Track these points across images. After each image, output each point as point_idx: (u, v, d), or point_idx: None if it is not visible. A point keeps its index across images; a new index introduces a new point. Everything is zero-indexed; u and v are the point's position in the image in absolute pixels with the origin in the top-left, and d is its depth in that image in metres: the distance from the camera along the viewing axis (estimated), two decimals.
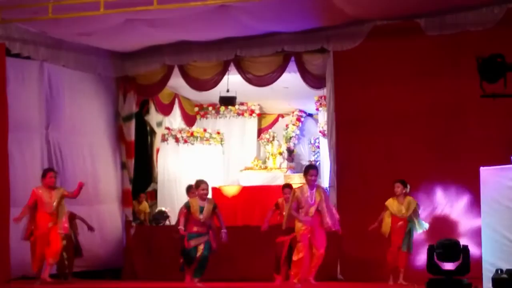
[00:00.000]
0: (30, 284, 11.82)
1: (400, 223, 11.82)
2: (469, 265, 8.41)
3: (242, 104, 18.88)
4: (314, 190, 11.32)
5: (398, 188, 11.91)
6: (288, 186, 12.66)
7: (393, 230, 11.85)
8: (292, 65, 14.54)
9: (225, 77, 15.09)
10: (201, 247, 11.46)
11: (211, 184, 16.61)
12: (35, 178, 12.56)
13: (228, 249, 12.95)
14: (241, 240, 13.69)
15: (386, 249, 11.92)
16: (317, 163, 18.02)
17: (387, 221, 11.92)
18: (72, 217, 13.01)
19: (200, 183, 11.78)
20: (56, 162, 13.99)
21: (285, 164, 18.44)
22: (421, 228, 11.89)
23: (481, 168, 10.09)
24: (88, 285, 12.90)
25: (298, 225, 11.27)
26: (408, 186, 11.93)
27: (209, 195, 12.28)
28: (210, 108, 19.34)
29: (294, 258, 11.27)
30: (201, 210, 11.55)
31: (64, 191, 12.06)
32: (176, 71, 15.29)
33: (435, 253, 8.68)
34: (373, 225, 12.00)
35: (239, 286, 12.33)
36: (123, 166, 15.83)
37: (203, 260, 11.47)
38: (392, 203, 11.93)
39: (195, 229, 11.55)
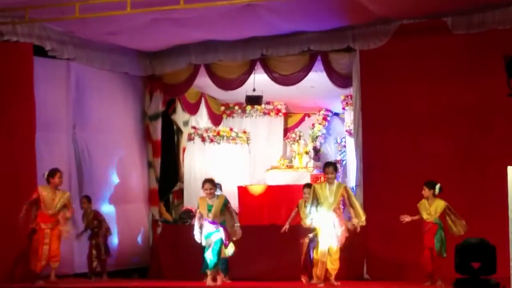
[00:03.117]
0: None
1: (429, 225, 11.60)
2: (495, 264, 8.37)
3: (268, 103, 18.89)
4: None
5: (424, 191, 11.70)
6: (308, 185, 12.50)
7: (424, 232, 11.64)
8: (318, 64, 14.52)
9: (251, 76, 15.12)
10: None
11: (237, 183, 16.70)
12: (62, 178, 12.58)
13: (255, 248, 12.96)
14: (268, 238, 13.69)
15: (421, 252, 11.67)
16: (343, 162, 18.00)
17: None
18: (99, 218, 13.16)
19: (203, 183, 11.51)
20: (83, 161, 14.08)
21: (311, 163, 18.41)
22: (457, 230, 11.48)
23: (509, 167, 10.02)
24: (115, 284, 12.94)
25: None
26: (437, 187, 11.67)
27: (224, 194, 12.15)
28: (237, 107, 19.35)
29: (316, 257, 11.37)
30: (210, 208, 11.37)
31: (68, 197, 12.00)
32: (202, 70, 15.34)
33: (462, 253, 8.65)
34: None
35: (267, 285, 12.31)
36: (150, 165, 15.90)
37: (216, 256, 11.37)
38: (423, 205, 11.74)
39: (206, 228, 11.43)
